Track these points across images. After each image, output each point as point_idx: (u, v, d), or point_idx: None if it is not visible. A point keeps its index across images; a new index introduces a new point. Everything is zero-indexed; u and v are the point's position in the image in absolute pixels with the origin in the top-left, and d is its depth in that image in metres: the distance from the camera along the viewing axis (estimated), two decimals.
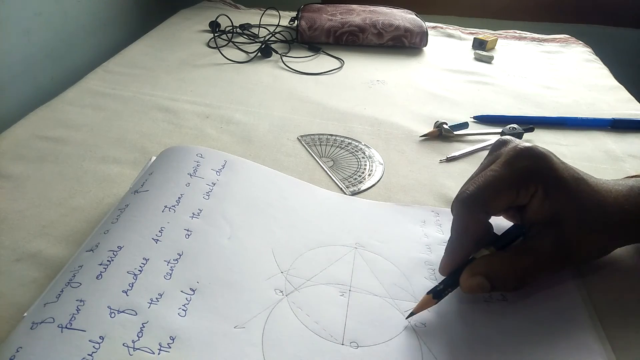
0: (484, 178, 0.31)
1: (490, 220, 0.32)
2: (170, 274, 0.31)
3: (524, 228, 0.32)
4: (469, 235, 0.31)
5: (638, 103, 0.65)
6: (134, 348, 0.26)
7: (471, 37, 0.88)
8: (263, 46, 0.75)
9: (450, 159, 0.50)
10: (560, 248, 0.31)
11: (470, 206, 0.31)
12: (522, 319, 0.31)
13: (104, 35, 0.83)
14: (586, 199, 0.31)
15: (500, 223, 0.34)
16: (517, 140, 0.34)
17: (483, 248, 0.31)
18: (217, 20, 0.84)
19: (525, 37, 0.92)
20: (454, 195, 0.44)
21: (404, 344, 0.29)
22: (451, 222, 0.32)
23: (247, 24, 0.87)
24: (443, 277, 0.32)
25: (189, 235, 0.34)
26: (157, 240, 0.32)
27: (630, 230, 0.33)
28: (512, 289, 0.31)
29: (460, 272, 0.31)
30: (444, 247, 0.37)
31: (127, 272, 0.30)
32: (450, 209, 0.34)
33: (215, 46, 0.77)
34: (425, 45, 0.83)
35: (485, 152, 0.51)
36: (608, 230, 0.32)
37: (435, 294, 0.31)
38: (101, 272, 0.29)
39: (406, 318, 0.31)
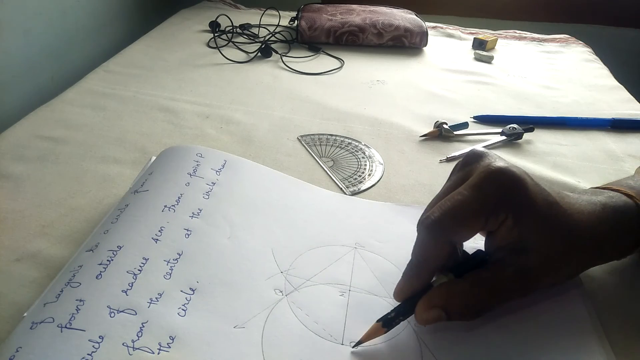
0: (451, 203, 0.28)
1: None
2: (170, 274, 0.31)
3: (487, 255, 0.30)
4: (430, 262, 0.29)
5: (638, 103, 0.65)
6: (133, 348, 0.26)
7: (471, 37, 0.88)
8: (263, 46, 0.75)
9: (450, 159, 0.50)
10: (522, 277, 0.29)
11: (435, 233, 0.28)
12: (521, 318, 0.31)
13: (104, 35, 0.83)
14: (558, 225, 0.29)
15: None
16: (490, 157, 0.30)
17: (441, 274, 0.30)
18: (217, 20, 0.84)
19: (525, 37, 0.92)
20: None
21: (404, 344, 0.29)
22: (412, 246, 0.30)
23: (247, 24, 0.87)
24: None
25: (188, 235, 0.34)
26: (157, 240, 0.32)
27: (605, 250, 0.31)
28: (469, 320, 0.29)
29: (415, 300, 0.29)
30: None
31: (127, 271, 0.30)
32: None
33: (215, 46, 0.77)
34: (425, 45, 0.83)
35: None
36: (580, 253, 0.30)
37: (385, 322, 0.29)
38: (101, 271, 0.29)
39: (352, 347, 0.29)
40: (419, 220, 0.30)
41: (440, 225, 0.28)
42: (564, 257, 0.29)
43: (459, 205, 0.28)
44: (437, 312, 0.28)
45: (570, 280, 0.33)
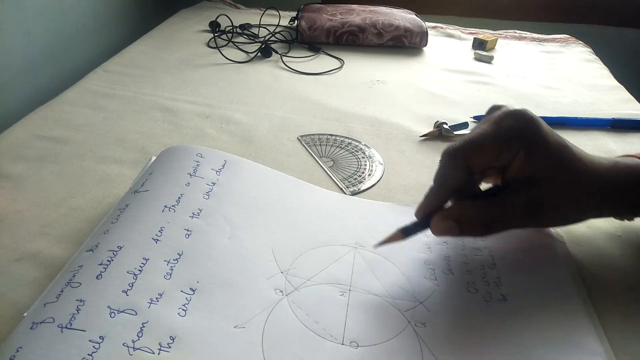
0: (471, 135, 0.33)
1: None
2: (170, 274, 0.31)
3: (501, 189, 0.34)
4: (448, 184, 0.33)
5: (638, 103, 0.65)
6: (134, 348, 0.26)
7: (471, 37, 0.88)
8: (263, 46, 0.75)
9: None
10: (531, 205, 0.32)
11: (453, 157, 0.33)
12: (521, 319, 0.31)
13: (104, 35, 0.84)
14: (567, 165, 0.32)
15: None
16: (510, 105, 0.35)
17: (458, 201, 0.34)
18: (217, 20, 0.84)
19: (525, 37, 0.92)
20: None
21: (404, 343, 0.29)
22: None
23: (247, 24, 0.87)
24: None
25: (189, 235, 0.34)
26: (157, 240, 0.32)
27: (608, 202, 0.34)
28: (479, 235, 0.34)
29: (432, 217, 0.33)
30: (444, 246, 0.37)
31: (127, 272, 0.30)
32: None
33: (215, 46, 0.77)
34: (425, 45, 0.83)
35: None
36: (584, 198, 0.33)
37: (405, 231, 0.34)
38: (101, 272, 0.29)
39: (374, 246, 0.34)
40: (443, 150, 0.34)
41: (460, 151, 0.33)
42: (570, 193, 0.32)
43: (477, 136, 0.33)
44: (450, 223, 0.32)
45: (576, 223, 0.35)
